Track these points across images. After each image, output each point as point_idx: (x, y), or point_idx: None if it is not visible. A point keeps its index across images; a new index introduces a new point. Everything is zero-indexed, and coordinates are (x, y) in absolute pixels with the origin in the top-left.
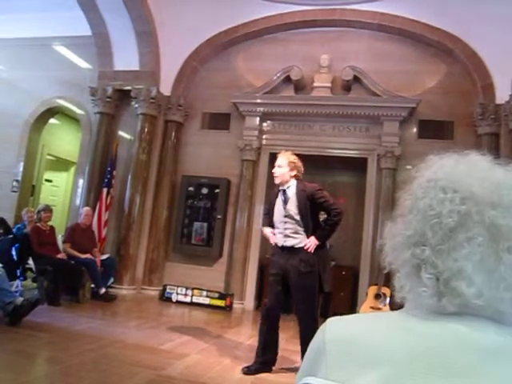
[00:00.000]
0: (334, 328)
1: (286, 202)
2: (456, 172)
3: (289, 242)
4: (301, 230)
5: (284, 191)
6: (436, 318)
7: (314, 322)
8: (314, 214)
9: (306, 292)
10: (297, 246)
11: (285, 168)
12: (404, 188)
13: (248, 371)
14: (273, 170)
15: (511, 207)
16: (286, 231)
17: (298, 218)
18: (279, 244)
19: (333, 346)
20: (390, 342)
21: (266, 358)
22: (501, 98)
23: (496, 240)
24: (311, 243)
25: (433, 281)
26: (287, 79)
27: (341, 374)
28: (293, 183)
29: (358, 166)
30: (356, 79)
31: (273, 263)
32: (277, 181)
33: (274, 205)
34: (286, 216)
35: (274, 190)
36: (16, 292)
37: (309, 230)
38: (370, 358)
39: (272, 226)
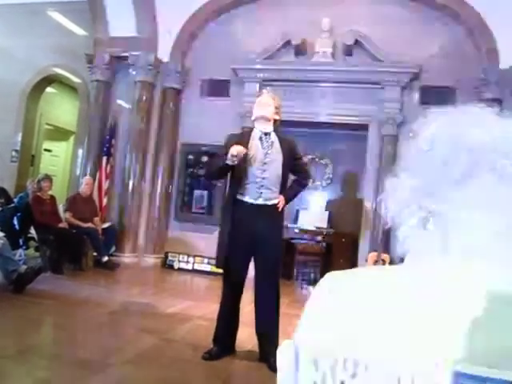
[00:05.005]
0: (332, 283)
1: (269, 146)
2: (462, 123)
3: (265, 196)
4: (278, 185)
5: (266, 134)
6: (439, 273)
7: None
8: (287, 171)
9: (278, 254)
10: (270, 203)
11: (272, 107)
12: (408, 141)
13: (209, 357)
14: (263, 101)
15: None
16: (265, 181)
17: (280, 168)
18: (248, 199)
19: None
20: (391, 299)
21: (227, 340)
22: (505, 62)
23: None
24: (282, 203)
25: (440, 232)
26: (288, 44)
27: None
28: (271, 129)
29: (359, 132)
30: (357, 44)
31: (237, 223)
32: (264, 113)
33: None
34: (266, 163)
35: (237, 133)
36: (19, 261)
37: (282, 187)
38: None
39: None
